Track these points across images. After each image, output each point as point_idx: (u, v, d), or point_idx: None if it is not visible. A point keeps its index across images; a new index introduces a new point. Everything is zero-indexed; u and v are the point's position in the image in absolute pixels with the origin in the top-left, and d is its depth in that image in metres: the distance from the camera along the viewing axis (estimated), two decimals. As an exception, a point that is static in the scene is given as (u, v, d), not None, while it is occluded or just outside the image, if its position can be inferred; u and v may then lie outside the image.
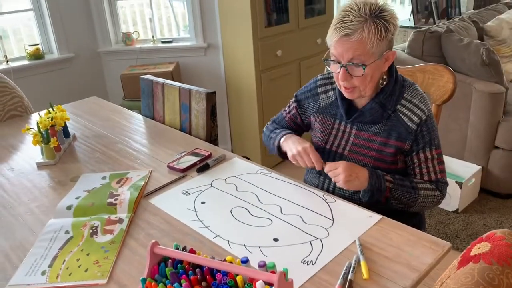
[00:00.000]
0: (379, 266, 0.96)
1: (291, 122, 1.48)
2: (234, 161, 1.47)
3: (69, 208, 1.23)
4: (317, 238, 1.06)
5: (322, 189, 1.36)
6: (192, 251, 0.84)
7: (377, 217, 1.12)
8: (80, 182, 1.39)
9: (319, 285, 0.92)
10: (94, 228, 1.15)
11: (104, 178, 1.40)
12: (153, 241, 0.81)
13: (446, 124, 2.59)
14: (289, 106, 1.49)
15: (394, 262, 0.97)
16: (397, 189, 1.21)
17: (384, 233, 1.07)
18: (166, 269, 0.79)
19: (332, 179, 1.22)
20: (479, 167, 2.48)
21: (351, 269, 0.94)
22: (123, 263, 1.03)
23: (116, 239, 1.10)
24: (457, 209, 2.42)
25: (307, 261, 0.98)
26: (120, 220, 1.17)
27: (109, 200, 1.25)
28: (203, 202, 1.24)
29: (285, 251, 1.02)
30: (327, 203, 1.20)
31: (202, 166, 1.41)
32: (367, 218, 1.12)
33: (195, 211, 1.20)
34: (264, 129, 1.54)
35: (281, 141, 1.37)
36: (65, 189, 1.37)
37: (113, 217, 1.19)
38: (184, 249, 0.85)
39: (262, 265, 0.78)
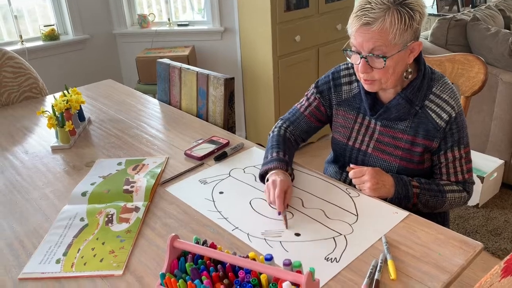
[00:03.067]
0: (406, 266, 0.91)
1: (312, 118, 1.34)
2: (253, 150, 1.42)
3: (84, 194, 1.20)
4: (341, 234, 1.01)
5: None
6: (213, 246, 0.80)
7: (403, 213, 1.07)
8: (95, 168, 1.36)
9: (344, 284, 0.87)
10: (109, 216, 1.12)
11: (120, 164, 1.37)
12: (173, 234, 0.78)
13: (469, 116, 2.51)
14: (307, 99, 1.35)
15: (422, 262, 0.92)
16: (425, 194, 1.16)
17: (411, 230, 1.02)
18: (186, 264, 0.76)
19: (357, 186, 1.16)
20: (502, 161, 2.40)
21: (378, 268, 0.89)
22: (139, 254, 0.99)
23: (132, 228, 1.07)
24: (478, 204, 2.36)
25: (331, 258, 0.94)
26: (136, 209, 1.14)
27: (125, 187, 1.22)
28: (221, 192, 1.20)
29: (307, 247, 0.98)
30: (350, 197, 1.15)
31: (220, 155, 1.37)
32: (393, 214, 1.07)
33: (213, 201, 1.16)
34: (276, 129, 1.35)
35: (269, 173, 1.18)
36: (80, 174, 1.34)
37: (129, 205, 1.16)
38: (204, 243, 0.81)
39: (288, 264, 0.73)
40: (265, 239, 1.01)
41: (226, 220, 1.09)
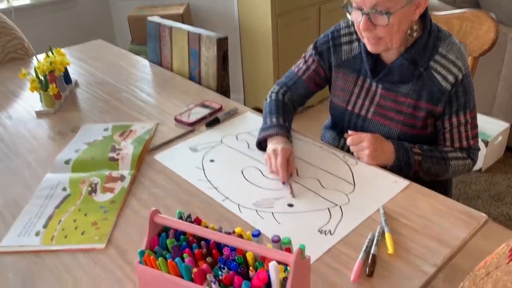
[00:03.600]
0: (406, 239, 0.86)
1: (311, 82, 1.26)
2: (247, 115, 1.35)
3: (67, 162, 1.14)
4: (336, 205, 0.95)
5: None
6: (197, 220, 0.75)
7: (403, 182, 1.01)
8: (80, 134, 1.29)
9: (338, 259, 0.82)
10: (93, 185, 1.06)
11: (106, 129, 1.30)
12: (153, 209, 0.72)
13: (474, 77, 2.40)
14: (305, 62, 1.26)
15: (422, 235, 0.86)
16: (427, 161, 1.09)
17: (412, 201, 0.96)
18: (168, 241, 0.70)
19: (355, 154, 1.10)
20: (507, 125, 2.32)
21: (375, 242, 0.84)
22: (124, 225, 0.94)
23: (117, 199, 1.01)
24: (481, 168, 2.30)
25: (325, 231, 0.89)
26: (122, 178, 1.08)
27: (111, 154, 1.16)
28: (212, 160, 1.14)
29: (300, 218, 0.92)
30: (348, 165, 1.08)
31: (212, 120, 1.29)
32: (392, 184, 1.01)
33: (203, 170, 1.10)
34: (273, 94, 1.27)
35: (269, 140, 1.12)
36: (65, 140, 1.28)
37: (114, 173, 1.10)
38: (188, 217, 0.75)
39: (276, 241, 0.68)
40: (256, 210, 0.95)
41: (216, 190, 1.03)
